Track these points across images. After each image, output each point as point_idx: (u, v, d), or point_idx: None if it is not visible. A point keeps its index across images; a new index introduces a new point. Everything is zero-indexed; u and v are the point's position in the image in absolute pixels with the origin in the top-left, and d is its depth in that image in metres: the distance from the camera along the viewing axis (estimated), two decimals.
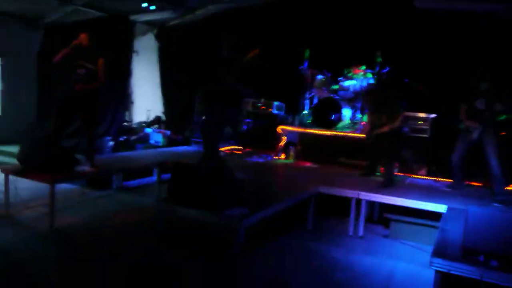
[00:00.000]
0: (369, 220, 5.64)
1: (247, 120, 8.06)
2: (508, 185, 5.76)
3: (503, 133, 6.18)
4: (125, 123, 9.69)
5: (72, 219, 4.96)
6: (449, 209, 4.47)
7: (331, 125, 7.29)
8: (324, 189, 5.21)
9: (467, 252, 3.07)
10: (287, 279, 3.73)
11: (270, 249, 4.47)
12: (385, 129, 5.59)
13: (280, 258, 4.23)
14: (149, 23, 10.37)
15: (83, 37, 5.23)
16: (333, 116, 7.25)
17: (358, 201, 5.02)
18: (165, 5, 9.34)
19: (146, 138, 8.98)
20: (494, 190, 5.09)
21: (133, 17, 9.32)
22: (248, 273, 3.77)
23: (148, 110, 10.74)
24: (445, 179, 6.24)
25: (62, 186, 6.06)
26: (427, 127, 6.71)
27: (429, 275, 3.07)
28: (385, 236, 5.15)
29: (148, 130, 9.35)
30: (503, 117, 5.16)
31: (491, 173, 5.08)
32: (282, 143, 7.80)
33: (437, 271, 3.03)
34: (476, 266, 2.94)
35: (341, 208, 5.35)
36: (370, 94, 6.10)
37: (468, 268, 2.96)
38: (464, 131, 5.34)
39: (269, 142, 7.86)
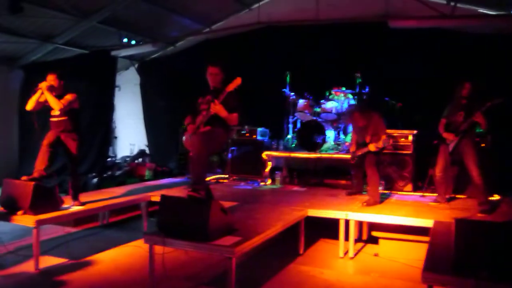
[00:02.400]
0: (359, 239, 5.65)
1: (232, 148, 8.08)
2: (491, 195, 5.86)
3: (483, 145, 6.34)
4: (109, 159, 9.64)
5: (58, 260, 4.85)
6: (436, 223, 4.50)
7: (316, 147, 7.36)
8: (312, 212, 5.21)
9: (457, 265, 3.09)
10: None
11: (264, 275, 4.43)
12: (372, 148, 5.65)
13: (274, 284, 4.18)
14: (130, 58, 10.47)
15: (50, 79, 5.15)
16: (317, 138, 7.33)
17: (347, 221, 5.03)
18: (145, 39, 9.48)
19: (131, 172, 8.92)
20: (478, 200, 5.16)
21: (114, 53, 9.41)
22: None
23: (132, 144, 10.71)
24: (431, 194, 6.30)
25: (47, 227, 5.98)
26: (410, 143, 6.82)
27: None
28: (376, 255, 5.14)
29: (133, 164, 9.30)
30: (480, 130, 5.34)
31: (474, 184, 5.17)
32: (268, 169, 7.82)
33: (429, 286, 3.03)
34: (467, 278, 2.95)
35: (331, 229, 5.35)
36: (353, 114, 6.18)
37: (459, 281, 2.97)
38: (442, 144, 5.47)
39: (255, 168, 7.87)
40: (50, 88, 5.10)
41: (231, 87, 4.34)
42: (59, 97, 5.13)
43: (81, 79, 5.36)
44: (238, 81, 4.35)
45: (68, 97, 5.21)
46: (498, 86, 6.39)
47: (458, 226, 3.14)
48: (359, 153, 5.82)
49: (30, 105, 5.14)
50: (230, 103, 4.46)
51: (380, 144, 5.64)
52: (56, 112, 5.15)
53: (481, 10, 7.32)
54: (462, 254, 3.09)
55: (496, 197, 6.08)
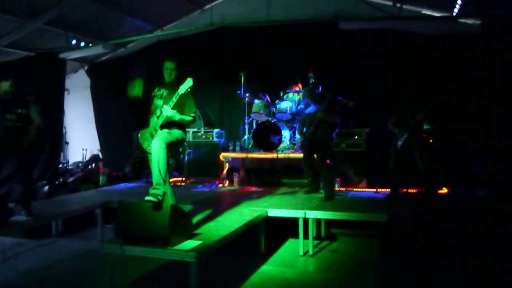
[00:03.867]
0: (317, 237, 5.78)
1: (189, 150, 8.02)
2: (440, 188, 6.17)
3: (431, 140, 6.65)
4: (61, 165, 9.29)
5: (10, 274, 4.63)
6: (390, 217, 4.68)
7: (272, 147, 7.43)
8: (271, 212, 5.27)
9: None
10: None
11: (226, 277, 4.43)
12: (320, 116, 5.95)
13: (236, 285, 4.19)
14: (80, 60, 10.10)
15: (4, 85, 5.01)
16: (273, 138, 7.41)
17: (306, 220, 5.12)
18: (95, 41, 9.19)
19: (84, 178, 8.63)
20: (426, 192, 5.45)
21: (62, 55, 9.06)
22: None
23: (84, 149, 10.37)
24: (385, 189, 6.54)
25: None
26: (363, 141, 7.03)
27: None
28: (334, 251, 5.27)
29: (86, 170, 9.01)
30: (426, 126, 5.61)
31: (421, 176, 5.46)
32: (225, 170, 7.83)
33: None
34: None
35: (290, 228, 5.43)
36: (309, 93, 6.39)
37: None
38: (394, 140, 5.72)
39: (212, 170, 7.86)
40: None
41: (183, 89, 4.30)
42: (16, 104, 5.02)
43: (27, 82, 5.13)
44: (189, 82, 4.30)
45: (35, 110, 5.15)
46: (443, 84, 6.72)
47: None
48: (309, 135, 6.14)
49: None
50: (183, 105, 4.44)
51: (332, 119, 6.08)
52: (12, 118, 4.97)
53: (426, 12, 7.64)
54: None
55: (444, 190, 6.40)
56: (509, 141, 6.54)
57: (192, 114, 4.53)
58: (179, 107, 4.40)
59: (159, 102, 4.55)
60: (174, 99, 4.31)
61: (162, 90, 4.59)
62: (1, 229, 4.58)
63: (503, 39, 6.66)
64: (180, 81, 4.39)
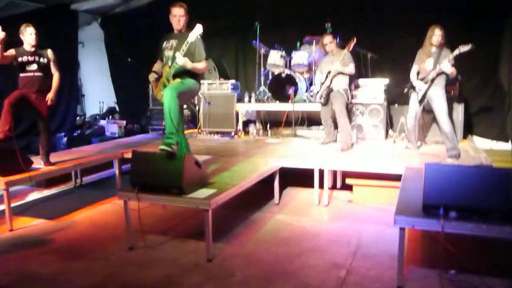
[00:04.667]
0: (333, 187, 5.78)
1: (204, 102, 7.97)
2: (459, 141, 6.03)
3: (452, 93, 6.44)
4: (78, 117, 9.38)
5: (32, 220, 4.78)
6: (407, 168, 4.62)
7: (288, 99, 7.33)
8: (286, 163, 5.26)
9: (427, 207, 3.19)
10: (258, 254, 3.77)
11: (241, 226, 4.50)
12: (338, 68, 5.86)
13: (251, 234, 4.26)
14: (92, 12, 9.93)
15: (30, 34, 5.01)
16: (289, 90, 7.29)
17: (321, 170, 5.10)
18: None
19: (101, 130, 8.73)
20: (446, 146, 5.29)
21: (74, 6, 8.91)
22: (220, 252, 3.78)
23: (101, 102, 10.42)
24: (402, 141, 6.45)
25: (18, 189, 5.85)
26: (381, 92, 6.85)
27: (395, 232, 3.17)
28: (350, 202, 5.28)
29: (103, 122, 9.08)
30: (448, 78, 5.34)
31: (442, 130, 5.27)
32: (240, 122, 7.79)
33: (401, 228, 3.13)
34: (437, 219, 3.06)
35: (305, 179, 5.44)
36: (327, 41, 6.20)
37: (429, 222, 3.08)
38: (411, 91, 5.53)
39: (228, 121, 7.82)
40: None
41: (192, 36, 4.17)
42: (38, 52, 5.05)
43: (40, 35, 5.08)
44: (199, 29, 4.17)
45: (50, 52, 5.15)
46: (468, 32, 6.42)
47: (428, 171, 3.22)
48: (324, 91, 6.06)
49: None
50: (194, 51, 4.34)
51: (347, 70, 5.94)
52: (32, 67, 4.97)
53: None
54: (431, 197, 3.19)
55: (464, 142, 6.27)
56: None
57: (203, 60, 4.42)
58: (190, 56, 4.30)
59: (169, 53, 4.46)
60: (185, 47, 4.21)
61: (171, 41, 4.48)
62: (22, 178, 4.67)
63: None
64: (189, 29, 4.27)
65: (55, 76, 5.23)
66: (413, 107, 5.57)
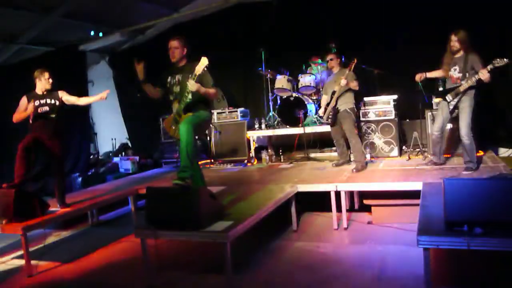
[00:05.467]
0: (351, 209, 5.68)
1: (215, 132, 7.99)
2: (477, 152, 5.90)
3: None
4: (92, 156, 9.46)
5: (51, 264, 4.76)
6: (425, 184, 4.53)
7: (298, 122, 7.32)
8: (302, 187, 5.20)
9: (450, 225, 3.11)
10: (280, 284, 3.69)
11: (261, 255, 4.42)
12: (344, 83, 5.83)
13: (272, 263, 4.18)
14: (100, 51, 10.16)
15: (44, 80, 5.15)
16: (298, 113, 7.28)
17: (337, 193, 5.03)
18: (112, 29, 9.18)
19: (115, 167, 8.77)
20: (464, 159, 5.18)
21: (82, 47, 9.13)
22: (241, 284, 3.70)
23: (113, 139, 10.51)
24: (417, 157, 6.35)
25: (36, 232, 5.86)
26: (391, 108, 6.81)
27: (419, 252, 3.08)
28: (369, 223, 5.18)
29: (116, 159, 9.13)
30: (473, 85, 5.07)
31: (462, 142, 5.09)
32: (252, 149, 7.78)
33: (425, 249, 3.04)
34: (462, 237, 2.96)
35: (322, 202, 5.36)
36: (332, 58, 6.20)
37: (454, 240, 2.98)
38: (440, 101, 5.31)
39: (240, 150, 7.82)
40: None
41: (199, 69, 4.22)
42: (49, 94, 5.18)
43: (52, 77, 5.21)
44: (205, 61, 4.22)
45: (64, 93, 5.27)
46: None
47: (447, 187, 3.14)
48: (330, 111, 6.04)
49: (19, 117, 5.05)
50: (203, 81, 4.36)
51: (354, 85, 5.90)
52: (44, 109, 5.08)
53: None
54: (453, 214, 3.11)
55: (480, 153, 6.15)
56: None
57: (213, 85, 4.46)
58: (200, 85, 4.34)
59: (176, 88, 4.50)
60: (195, 78, 4.24)
61: (176, 76, 4.53)
62: (39, 222, 4.67)
63: None
64: (192, 63, 4.32)
65: (82, 99, 5.50)
66: (441, 117, 5.27)
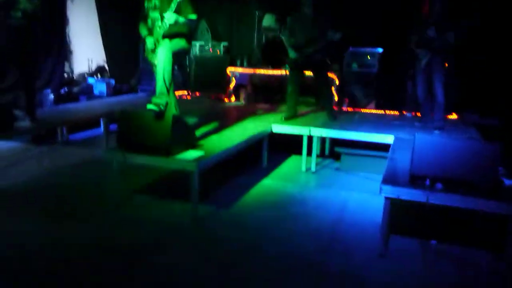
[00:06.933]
0: (321, 155, 5.78)
1: (195, 64, 7.81)
2: (449, 113, 6.01)
3: (446, 64, 6.34)
4: (66, 74, 9.16)
5: (16, 176, 4.71)
6: (396, 139, 4.61)
7: (281, 64, 7.21)
8: (276, 128, 5.23)
9: (414, 178, 3.20)
10: (243, 218, 3.78)
11: (228, 189, 4.50)
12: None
13: (237, 197, 4.27)
14: None
15: None
16: (282, 55, 7.15)
17: (310, 137, 5.08)
18: None
19: (89, 88, 8.55)
20: (434, 117, 5.26)
21: None
22: (206, 215, 3.79)
23: (90, 60, 10.16)
24: (393, 111, 6.41)
25: (2, 146, 5.75)
26: (375, 62, 6.77)
27: (381, 201, 3.19)
28: (337, 169, 5.30)
29: (91, 80, 8.88)
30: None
31: (435, 100, 5.17)
32: (232, 86, 7.68)
33: (386, 198, 3.14)
34: (422, 190, 3.07)
35: (294, 145, 5.42)
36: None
37: (415, 192, 3.09)
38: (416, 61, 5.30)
39: (219, 85, 7.70)
40: None
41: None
42: None
43: None
44: None
45: None
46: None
47: (417, 142, 3.20)
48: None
49: None
50: (183, 10, 4.17)
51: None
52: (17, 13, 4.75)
53: None
54: (418, 168, 3.20)
55: (454, 116, 6.26)
56: None
57: (193, 17, 4.27)
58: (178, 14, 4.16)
59: (154, 14, 4.29)
60: (173, 6, 4.05)
61: (153, 0, 4.29)
62: (6, 135, 4.57)
63: None
64: None
65: None
66: (421, 79, 5.31)
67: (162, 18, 4.14)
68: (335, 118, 5.64)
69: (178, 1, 4.05)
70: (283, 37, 5.82)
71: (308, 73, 5.74)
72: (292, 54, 5.56)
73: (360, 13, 7.05)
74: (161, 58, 4.09)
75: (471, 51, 6.44)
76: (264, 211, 3.92)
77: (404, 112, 6.27)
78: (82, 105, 6.76)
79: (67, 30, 9.63)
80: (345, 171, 5.20)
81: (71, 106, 6.77)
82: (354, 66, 6.84)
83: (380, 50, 6.79)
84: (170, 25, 4.14)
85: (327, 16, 5.64)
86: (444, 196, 3.05)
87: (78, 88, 8.43)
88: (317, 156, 5.28)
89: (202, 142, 4.26)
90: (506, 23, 6.34)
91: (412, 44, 5.28)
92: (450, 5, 5.03)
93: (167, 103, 4.08)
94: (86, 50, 10.35)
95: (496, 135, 5.63)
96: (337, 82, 6.76)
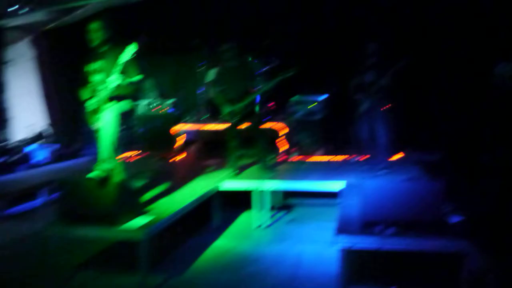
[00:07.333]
0: (273, 207, 5.69)
1: (142, 123, 7.69)
2: (396, 153, 6.17)
3: (389, 105, 6.59)
4: (2, 143, 8.72)
5: None
6: (346, 185, 4.64)
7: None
8: (225, 185, 5.14)
9: (366, 225, 3.19)
10: (197, 283, 3.60)
11: (179, 253, 4.31)
12: None
13: (189, 262, 4.07)
14: (22, 28, 9.34)
15: None
16: None
17: (261, 192, 5.02)
18: (36, 6, 8.48)
19: (28, 157, 8.14)
20: (378, 159, 5.39)
21: (0, 23, 8.35)
22: (157, 284, 3.56)
23: (30, 126, 9.78)
24: (341, 156, 6.47)
25: None
26: (320, 108, 6.91)
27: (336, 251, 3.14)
28: (291, 221, 5.22)
29: (31, 147, 8.49)
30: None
31: (378, 142, 5.33)
32: (180, 143, 7.59)
33: (340, 249, 3.10)
34: (374, 237, 3.06)
35: (247, 200, 5.32)
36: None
37: (367, 241, 3.07)
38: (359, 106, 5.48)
39: (167, 143, 7.58)
40: None
41: (127, 55, 3.98)
42: None
43: None
44: (134, 47, 3.98)
45: None
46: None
47: (365, 187, 3.23)
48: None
49: None
50: (128, 70, 4.12)
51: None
52: None
53: None
54: (369, 214, 3.20)
55: (400, 154, 6.41)
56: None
57: (138, 78, 4.22)
58: (123, 75, 4.11)
59: (97, 77, 4.22)
60: (120, 67, 4.00)
61: (96, 63, 4.23)
62: None
63: None
64: (117, 49, 4.07)
65: None
66: (363, 122, 5.49)
67: (107, 81, 4.05)
68: (272, 168, 5.61)
69: (123, 63, 4.00)
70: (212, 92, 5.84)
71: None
72: (225, 108, 5.59)
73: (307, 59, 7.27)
74: (107, 121, 4.00)
75: (409, 88, 6.78)
76: (218, 274, 3.76)
77: (352, 156, 6.38)
78: (21, 175, 6.39)
79: (4, 96, 9.30)
80: (298, 222, 5.13)
81: (8, 177, 6.37)
82: (299, 114, 6.96)
83: (325, 96, 6.96)
84: (115, 87, 4.07)
85: (252, 66, 5.76)
86: (396, 241, 3.05)
87: (16, 158, 8.02)
88: (271, 208, 5.19)
89: (150, 206, 4.11)
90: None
91: (352, 89, 5.50)
92: (384, 49, 5.32)
93: (111, 169, 3.94)
94: (27, 115, 9.99)
95: (441, 171, 5.83)
96: (286, 131, 6.85)
